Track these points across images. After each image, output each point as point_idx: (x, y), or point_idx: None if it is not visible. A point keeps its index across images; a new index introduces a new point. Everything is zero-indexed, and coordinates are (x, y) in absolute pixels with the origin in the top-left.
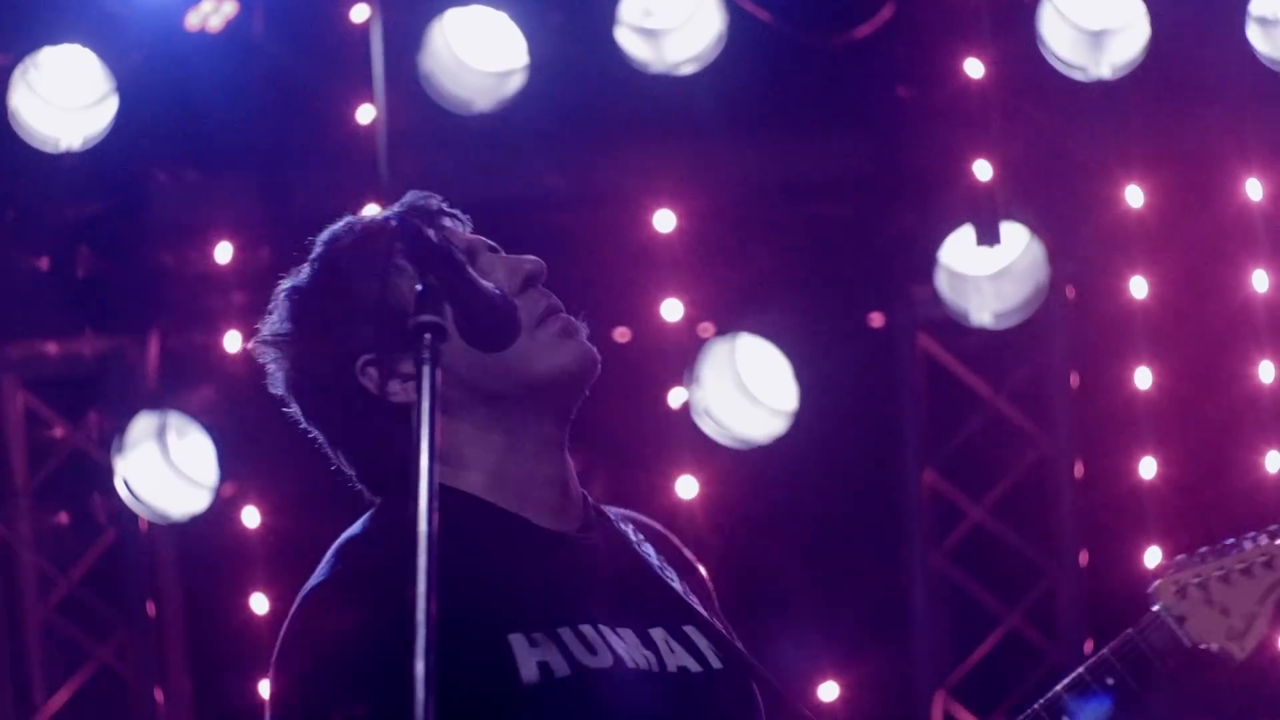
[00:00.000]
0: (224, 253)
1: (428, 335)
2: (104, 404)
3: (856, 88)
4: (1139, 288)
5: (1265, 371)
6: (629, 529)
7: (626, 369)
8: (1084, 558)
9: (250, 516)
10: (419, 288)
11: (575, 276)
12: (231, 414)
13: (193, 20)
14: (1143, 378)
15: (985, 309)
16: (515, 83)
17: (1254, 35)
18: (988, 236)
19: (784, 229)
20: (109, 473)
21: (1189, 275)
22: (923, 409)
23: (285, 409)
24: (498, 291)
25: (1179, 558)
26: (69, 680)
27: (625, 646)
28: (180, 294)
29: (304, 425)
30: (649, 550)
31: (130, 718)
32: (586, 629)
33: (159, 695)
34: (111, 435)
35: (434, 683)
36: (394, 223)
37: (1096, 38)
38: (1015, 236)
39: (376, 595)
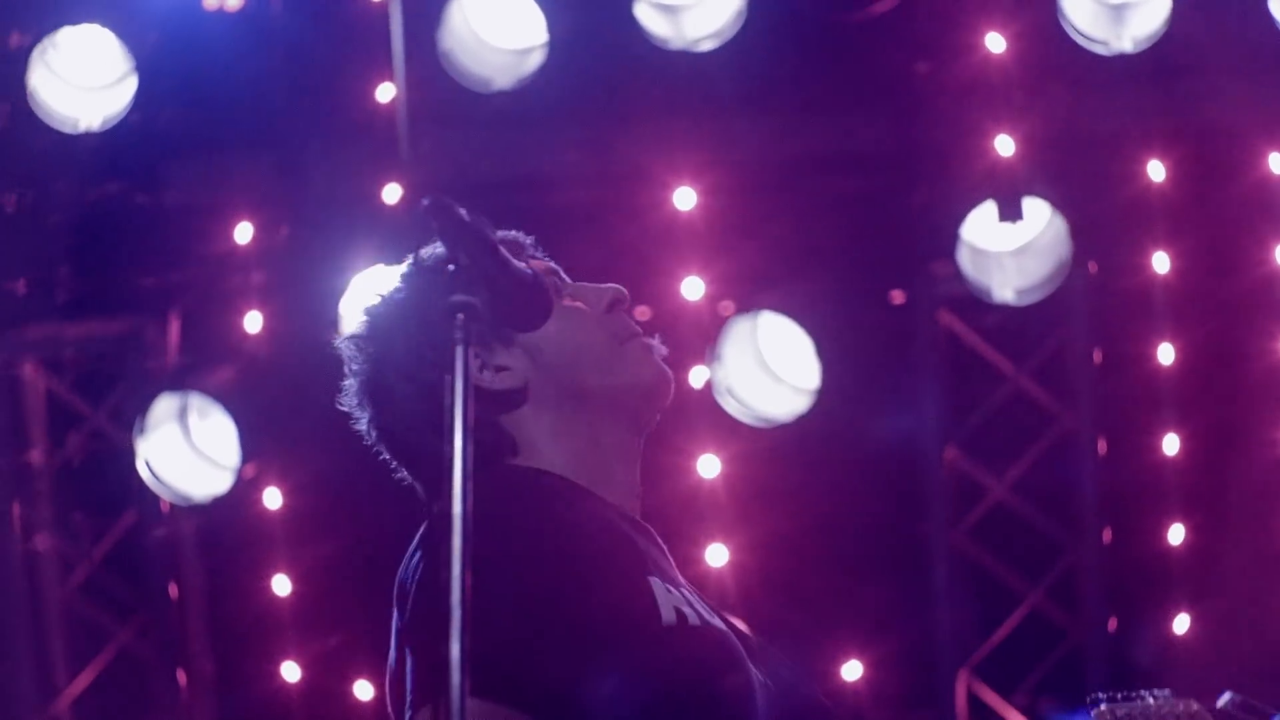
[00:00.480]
0: (244, 232)
1: (460, 315)
2: (124, 386)
3: (876, 63)
4: (1161, 263)
5: None
6: None
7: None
8: (1107, 535)
9: (272, 498)
10: (451, 268)
11: (595, 255)
12: (252, 394)
13: (211, 0)
14: (1165, 353)
15: (1007, 285)
16: (535, 60)
17: (1275, 7)
18: (1010, 212)
19: (805, 206)
20: (130, 454)
21: (1211, 250)
22: (944, 386)
23: (341, 413)
24: (529, 271)
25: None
26: (91, 662)
27: (698, 606)
28: (200, 274)
29: (369, 434)
30: None
31: (152, 700)
32: (690, 595)
33: (181, 677)
34: (133, 417)
35: (468, 665)
36: (425, 202)
37: (1117, 11)
38: (1037, 212)
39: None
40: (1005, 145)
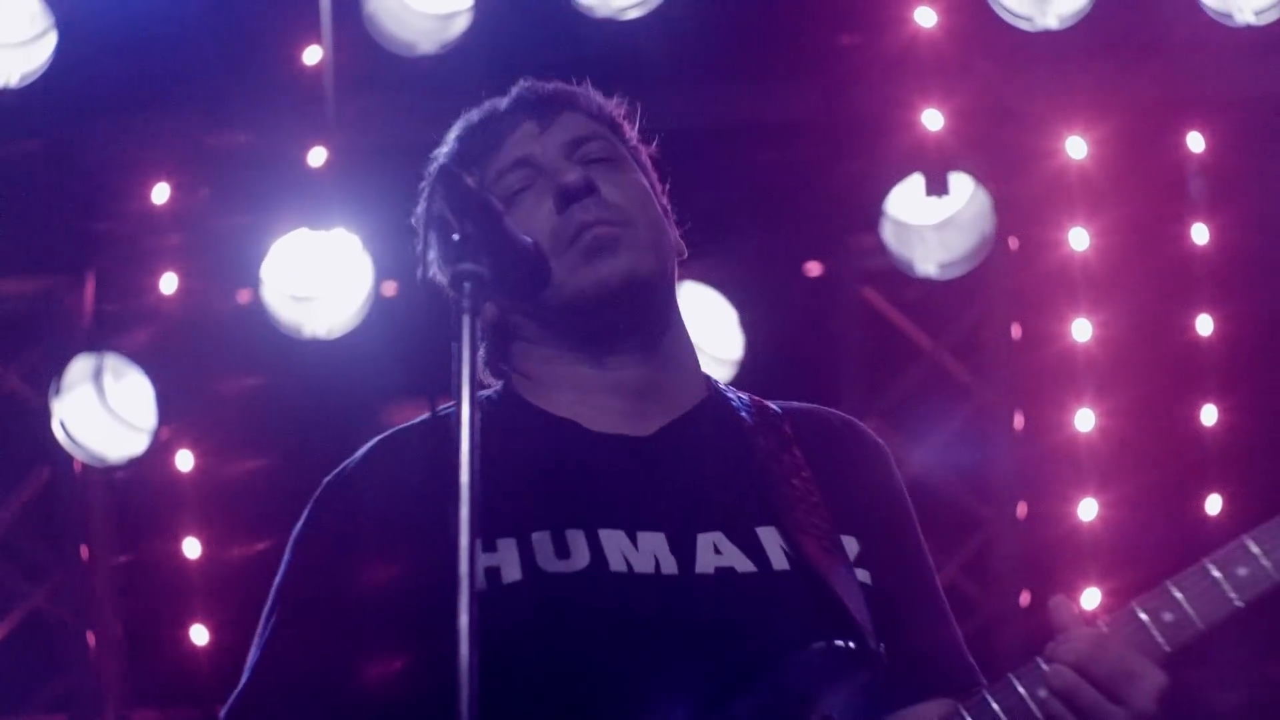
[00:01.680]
0: (161, 193)
1: (467, 284)
2: (39, 345)
3: (803, 34)
4: (1080, 239)
5: (1203, 324)
6: (758, 423)
7: None
8: (1021, 509)
9: (184, 460)
10: (456, 237)
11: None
12: (167, 356)
13: None
14: (1082, 330)
15: (930, 259)
16: (459, 26)
17: None
18: (936, 186)
19: (729, 177)
20: (45, 414)
21: (1129, 227)
22: (864, 359)
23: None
24: (529, 242)
25: None
26: (1, 622)
27: (628, 549)
28: (117, 234)
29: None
30: (759, 446)
31: (62, 661)
32: (574, 533)
33: (90, 639)
34: (47, 377)
35: (478, 636)
36: (434, 168)
37: None
38: (962, 187)
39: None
40: (933, 119)
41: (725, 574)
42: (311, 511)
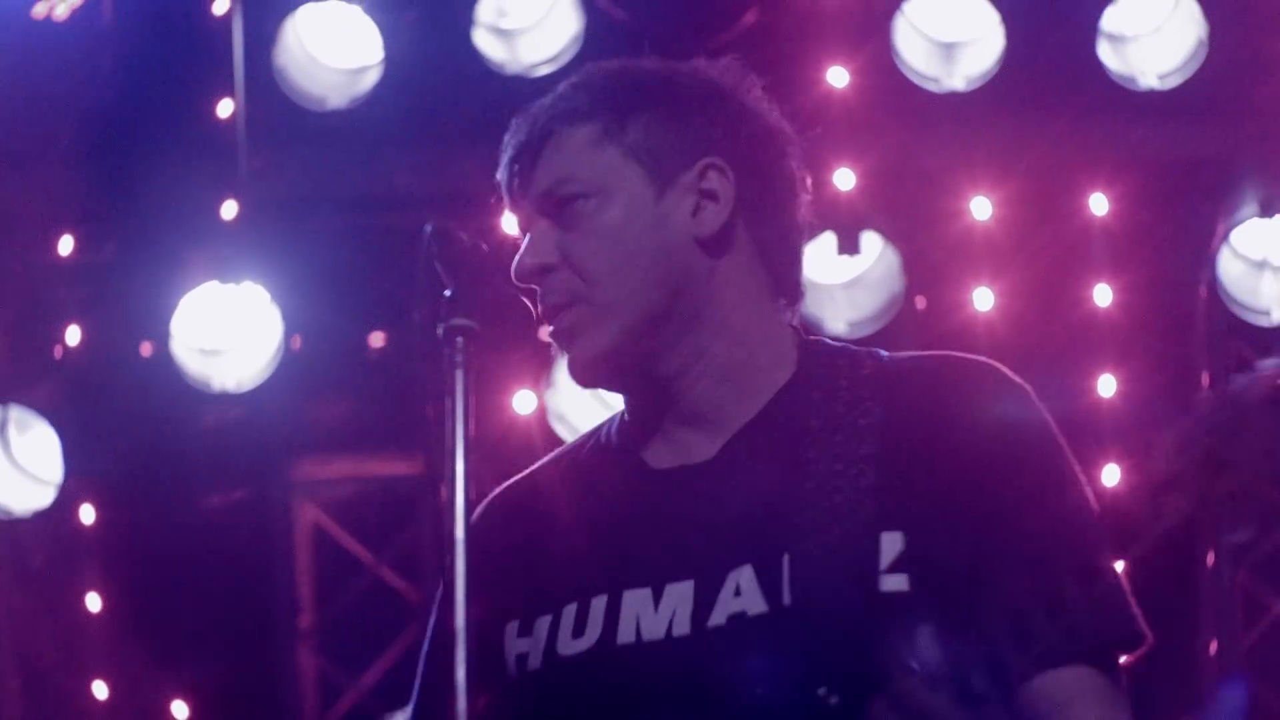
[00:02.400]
0: (66, 245)
1: (460, 339)
2: None
3: None
4: (984, 300)
5: (1105, 386)
6: (832, 415)
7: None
8: None
9: (86, 513)
10: (448, 293)
11: (411, 279)
12: (72, 409)
13: (39, 9)
14: None
15: (839, 318)
16: (369, 80)
17: (1104, 51)
18: (848, 245)
19: None
20: None
21: (1032, 289)
22: None
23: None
24: (520, 296)
25: None
26: None
27: (645, 612)
28: (22, 286)
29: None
30: (818, 451)
31: None
32: (599, 601)
33: None
34: None
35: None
36: (429, 228)
37: (949, 49)
38: (871, 245)
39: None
40: (845, 179)
41: (736, 621)
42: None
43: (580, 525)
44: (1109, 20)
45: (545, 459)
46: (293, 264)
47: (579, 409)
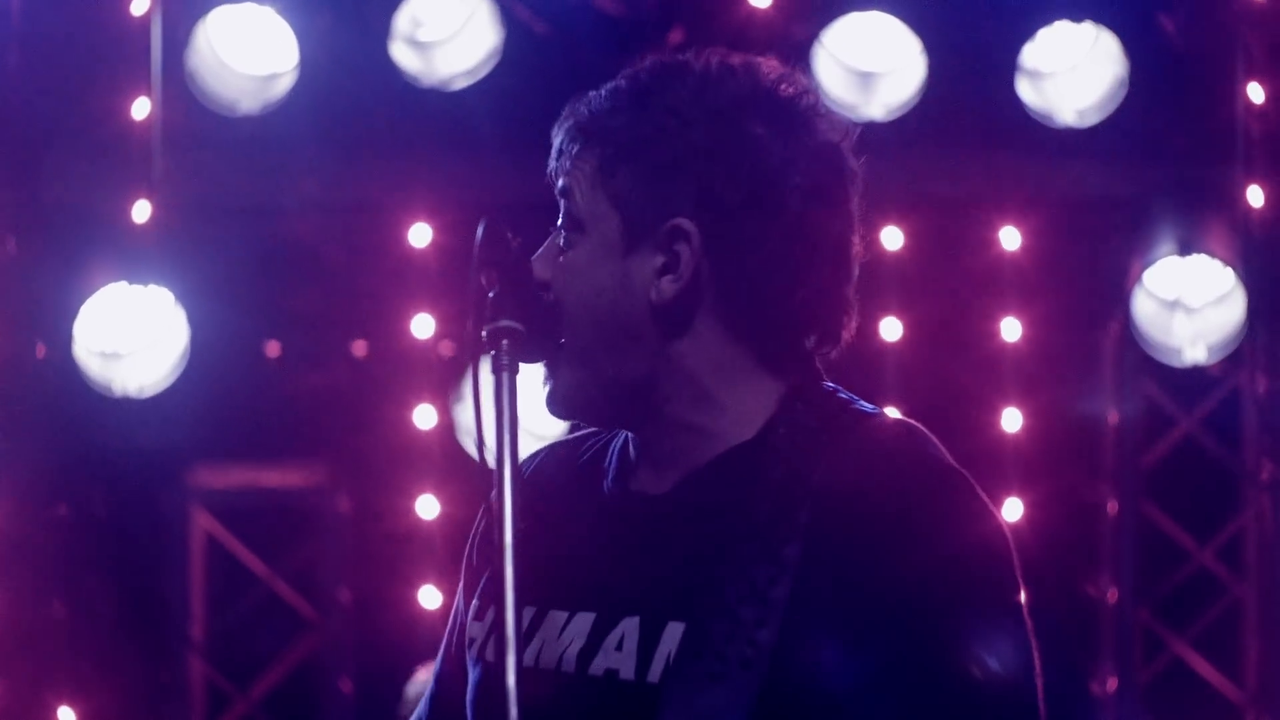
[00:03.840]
0: None
1: (505, 341)
2: None
3: None
4: (892, 330)
5: (1010, 420)
6: (775, 485)
7: (370, 384)
8: None
9: None
10: (492, 294)
11: (325, 287)
12: None
13: None
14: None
15: None
16: (282, 86)
17: (1023, 87)
18: None
19: None
20: None
21: (941, 320)
22: None
23: None
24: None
25: None
26: None
27: (551, 637)
28: None
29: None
30: (749, 519)
31: None
32: (526, 613)
33: None
34: None
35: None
36: (481, 225)
37: (868, 78)
38: None
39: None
40: None
41: (610, 679)
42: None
43: (547, 530)
44: (1028, 56)
45: (566, 438)
46: (200, 269)
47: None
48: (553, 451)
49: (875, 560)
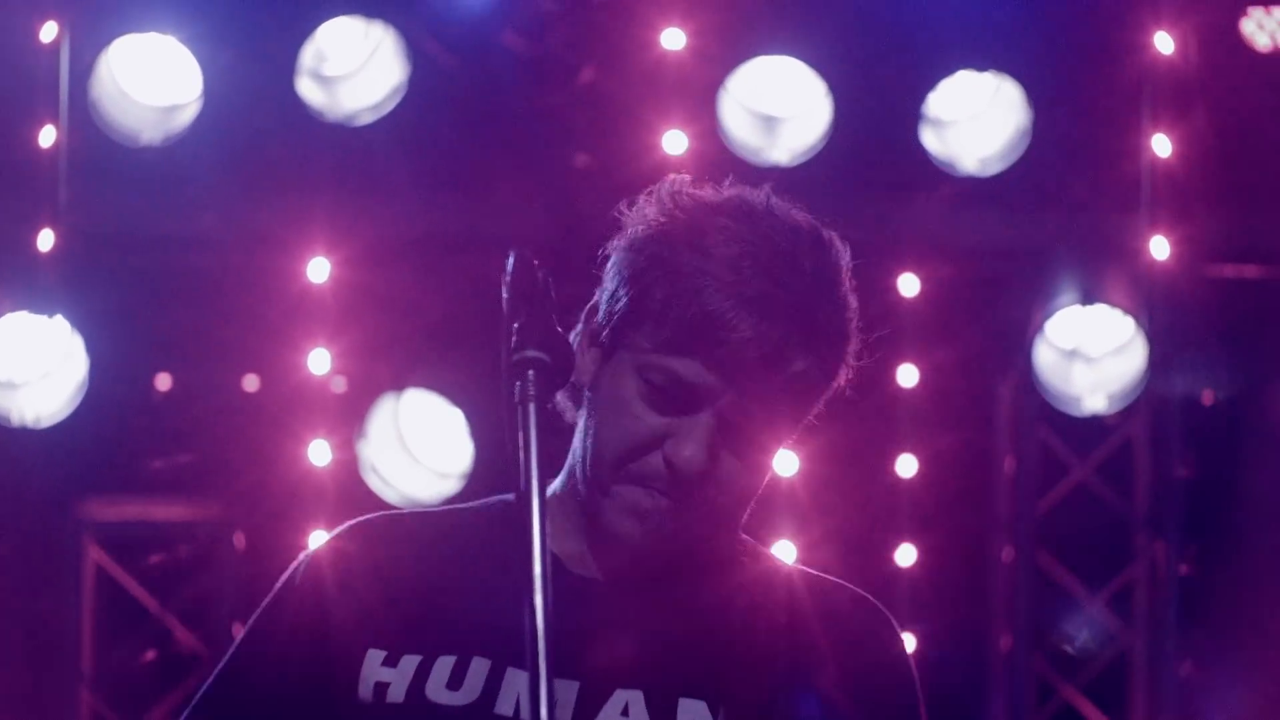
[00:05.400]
0: None
1: (531, 371)
2: None
3: (539, 151)
4: None
5: (904, 466)
6: (756, 590)
7: (266, 418)
8: None
9: None
10: (517, 325)
11: (224, 320)
12: None
13: None
14: (786, 463)
15: None
16: (185, 118)
17: (926, 134)
18: None
19: (459, 285)
20: None
21: None
22: None
23: None
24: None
25: None
26: None
27: (519, 693)
28: None
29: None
30: (741, 615)
31: None
32: (479, 663)
33: None
34: None
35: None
36: (511, 256)
37: (771, 123)
38: None
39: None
40: None
41: None
42: (285, 578)
43: (468, 586)
44: (932, 104)
45: (431, 509)
46: (99, 300)
47: (392, 462)
48: (399, 523)
49: (862, 674)
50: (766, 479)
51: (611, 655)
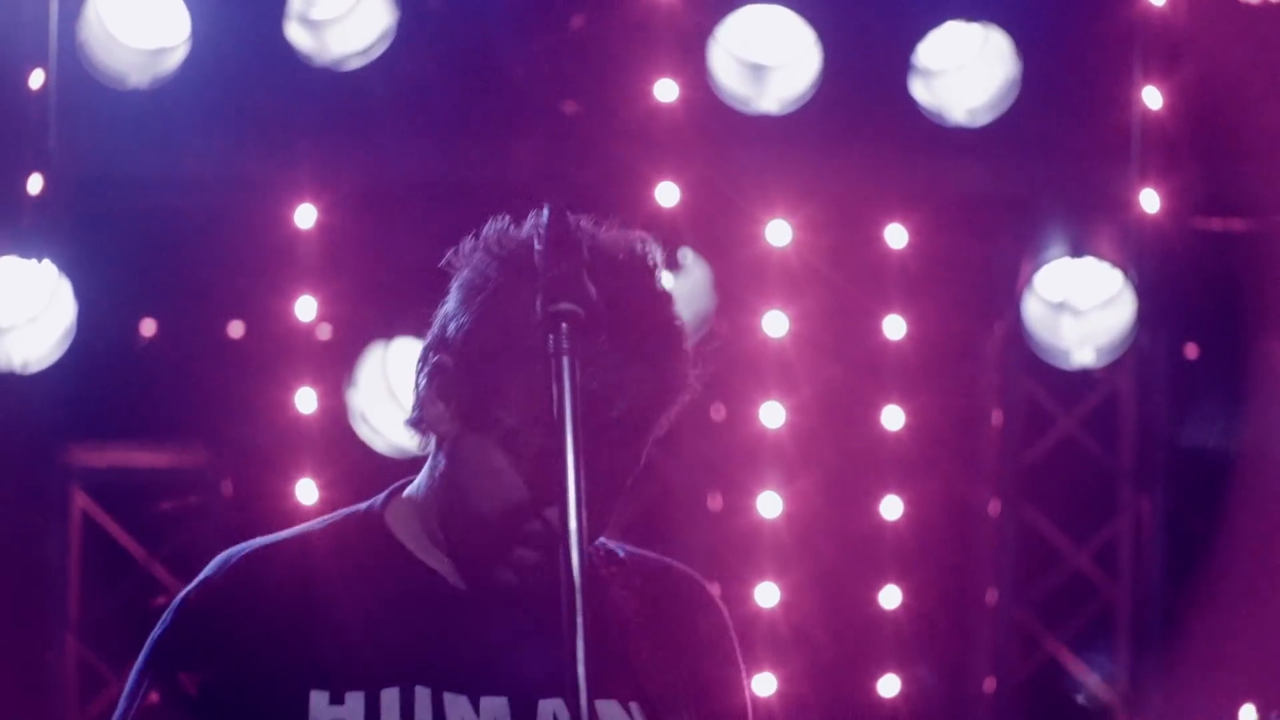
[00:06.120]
0: None
1: (565, 325)
2: None
3: (528, 97)
4: (777, 324)
5: (891, 416)
6: (613, 579)
7: (252, 365)
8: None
9: None
10: (551, 276)
11: (210, 265)
12: None
13: None
14: (772, 414)
15: None
16: (173, 61)
17: (916, 85)
18: (669, 261)
19: (446, 233)
20: None
21: (826, 316)
22: None
23: None
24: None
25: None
26: None
27: (468, 716)
28: None
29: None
30: (614, 608)
31: None
32: (421, 692)
33: None
34: None
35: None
36: (545, 208)
37: (759, 71)
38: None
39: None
40: (668, 194)
41: None
42: (171, 625)
43: (371, 613)
44: (921, 54)
45: (287, 536)
46: (86, 244)
47: (382, 411)
48: (272, 555)
49: (699, 632)
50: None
51: (524, 668)
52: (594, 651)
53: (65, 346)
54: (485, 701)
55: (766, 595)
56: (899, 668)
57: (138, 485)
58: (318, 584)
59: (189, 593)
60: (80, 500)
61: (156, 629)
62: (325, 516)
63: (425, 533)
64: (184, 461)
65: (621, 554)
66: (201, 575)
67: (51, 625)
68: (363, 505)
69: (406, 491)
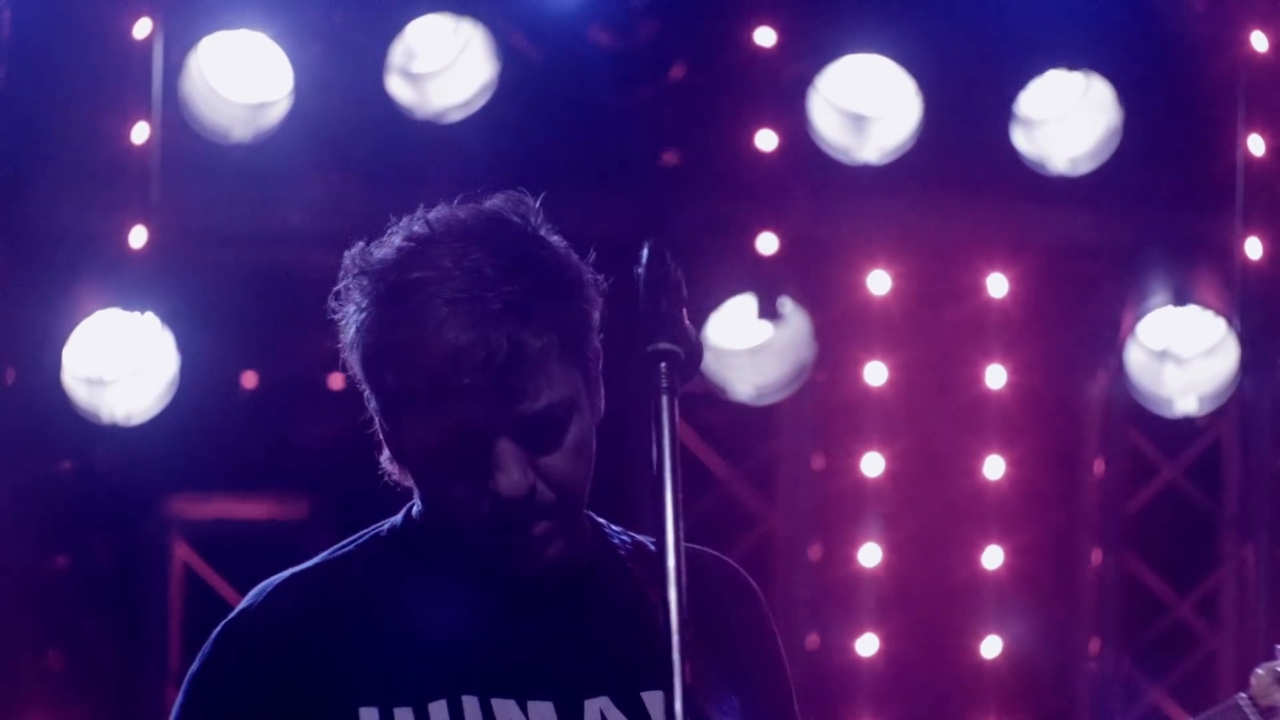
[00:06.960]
0: None
1: (664, 364)
2: None
3: (629, 149)
4: (877, 374)
5: (993, 466)
6: (646, 573)
7: (349, 417)
8: (813, 641)
9: None
10: (651, 317)
11: (306, 320)
12: None
13: None
14: (872, 464)
15: (745, 383)
16: (276, 115)
17: (1017, 134)
18: (768, 310)
19: None
20: None
21: (926, 365)
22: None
23: None
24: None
25: None
26: None
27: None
28: None
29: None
30: (650, 602)
31: None
32: (469, 702)
33: None
34: None
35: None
36: (647, 246)
37: (860, 122)
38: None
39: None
40: (768, 243)
41: None
42: (211, 655)
43: (410, 627)
44: (1023, 103)
45: (317, 562)
46: (189, 297)
47: None
48: (309, 579)
49: (738, 614)
50: (587, 451)
51: (566, 669)
52: (640, 646)
53: (168, 399)
54: (533, 706)
55: (867, 646)
56: (1001, 719)
57: (238, 536)
58: (354, 604)
59: (228, 622)
60: (181, 551)
61: (196, 662)
62: (350, 539)
63: (443, 549)
64: (284, 513)
65: (652, 547)
66: (239, 606)
67: (152, 676)
68: (384, 525)
69: (415, 510)
